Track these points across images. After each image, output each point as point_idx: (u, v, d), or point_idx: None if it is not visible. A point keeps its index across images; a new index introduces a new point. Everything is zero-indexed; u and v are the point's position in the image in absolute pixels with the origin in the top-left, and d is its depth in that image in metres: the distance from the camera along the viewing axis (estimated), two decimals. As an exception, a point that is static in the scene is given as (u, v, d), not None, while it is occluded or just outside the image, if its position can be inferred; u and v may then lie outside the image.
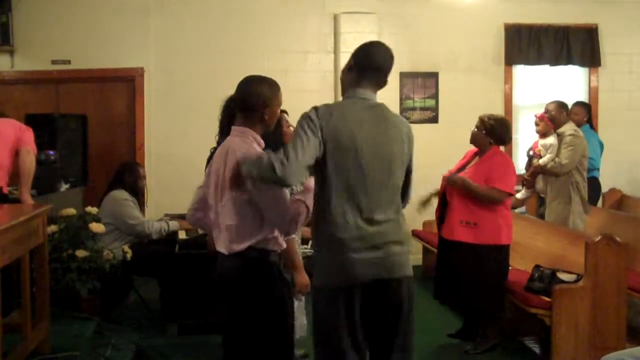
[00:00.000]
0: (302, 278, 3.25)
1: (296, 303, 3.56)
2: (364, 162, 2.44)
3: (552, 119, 5.30)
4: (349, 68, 2.60)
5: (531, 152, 5.50)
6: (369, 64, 2.55)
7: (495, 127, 4.34)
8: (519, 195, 5.57)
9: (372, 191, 2.46)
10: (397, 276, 2.48)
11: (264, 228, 2.57)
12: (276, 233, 2.61)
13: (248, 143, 2.61)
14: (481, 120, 4.39)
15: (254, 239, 2.57)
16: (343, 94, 2.66)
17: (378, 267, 2.44)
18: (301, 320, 3.79)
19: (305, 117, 2.45)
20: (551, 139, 5.29)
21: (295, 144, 2.37)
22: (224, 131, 3.59)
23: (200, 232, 4.89)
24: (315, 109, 2.46)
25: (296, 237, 3.46)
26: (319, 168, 2.46)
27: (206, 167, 3.62)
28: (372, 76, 2.55)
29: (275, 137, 3.26)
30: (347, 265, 2.42)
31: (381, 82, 2.59)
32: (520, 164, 6.75)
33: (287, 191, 2.56)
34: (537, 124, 5.38)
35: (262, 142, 2.68)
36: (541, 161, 5.29)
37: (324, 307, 2.49)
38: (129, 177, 5.13)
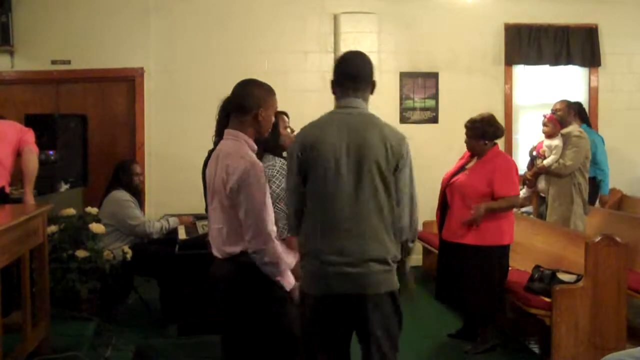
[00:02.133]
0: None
1: None
2: (342, 166, 2.43)
3: (560, 119, 5.30)
4: (331, 87, 2.62)
5: (534, 153, 5.50)
6: (344, 72, 2.56)
7: (483, 128, 4.32)
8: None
9: (354, 198, 2.42)
10: (372, 293, 2.43)
11: (249, 235, 2.56)
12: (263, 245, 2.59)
13: (242, 147, 2.60)
14: (466, 127, 4.39)
15: (245, 243, 2.56)
16: None
17: (354, 283, 2.42)
18: None
19: (288, 155, 2.58)
20: (556, 141, 5.29)
21: (288, 198, 2.63)
22: (221, 132, 3.59)
23: (200, 232, 4.90)
24: (297, 134, 2.59)
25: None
26: (306, 179, 2.52)
27: (203, 168, 3.63)
28: (351, 81, 2.54)
29: (272, 139, 3.25)
30: (326, 277, 2.44)
31: (364, 87, 2.55)
32: (521, 164, 6.73)
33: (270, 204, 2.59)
34: (545, 125, 5.38)
35: (255, 146, 2.67)
36: (545, 162, 5.30)
37: (307, 311, 2.53)
38: (124, 176, 5.14)
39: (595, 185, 6.01)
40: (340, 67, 2.58)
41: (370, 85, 2.58)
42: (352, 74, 2.54)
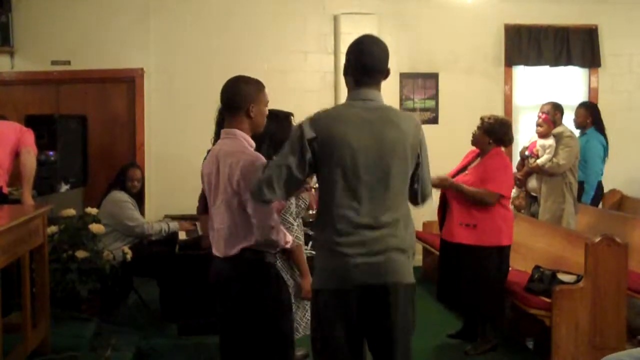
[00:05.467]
0: (307, 283, 3.25)
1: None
2: (361, 165, 2.39)
3: (552, 119, 5.40)
4: (344, 71, 2.56)
5: (527, 152, 5.57)
6: (362, 64, 2.48)
7: (494, 126, 4.34)
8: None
9: (372, 195, 2.41)
10: (392, 282, 2.43)
11: (256, 231, 2.58)
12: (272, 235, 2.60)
13: (242, 144, 2.61)
14: (482, 120, 4.40)
15: (247, 242, 2.58)
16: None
17: (375, 272, 2.40)
18: (307, 317, 3.79)
19: (296, 129, 2.44)
20: (550, 140, 5.39)
21: (278, 163, 2.41)
22: (219, 133, 3.60)
23: (200, 232, 4.90)
24: (310, 118, 2.44)
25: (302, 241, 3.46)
26: (319, 173, 2.45)
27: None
28: (368, 75, 2.49)
29: (284, 140, 3.25)
30: (345, 269, 2.39)
31: (380, 77, 2.52)
32: (519, 165, 6.76)
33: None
34: (540, 125, 5.47)
35: (253, 143, 2.68)
36: (539, 161, 5.39)
37: (321, 309, 2.48)
38: (125, 180, 5.14)
39: (599, 188, 6.04)
40: (358, 58, 2.50)
41: (385, 73, 2.54)
42: (370, 66, 2.48)
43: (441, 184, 4.26)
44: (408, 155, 2.48)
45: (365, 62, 2.48)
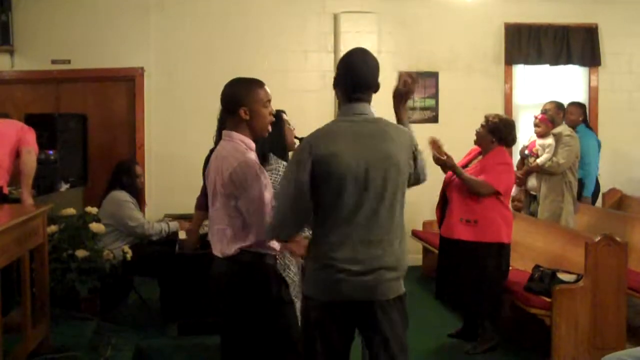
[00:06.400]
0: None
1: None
2: (358, 180, 2.38)
3: (551, 119, 5.42)
4: (334, 83, 2.54)
5: (527, 152, 5.59)
6: (353, 80, 2.47)
7: (499, 126, 4.35)
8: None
9: (368, 210, 2.39)
10: (380, 299, 2.42)
11: (253, 232, 2.57)
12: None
13: (236, 147, 2.60)
14: (486, 118, 4.41)
15: (244, 242, 2.57)
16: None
17: (364, 290, 2.39)
18: None
19: (295, 153, 2.47)
20: (549, 140, 5.40)
21: (281, 199, 2.44)
22: (221, 132, 3.61)
23: (201, 232, 4.89)
24: (307, 141, 2.45)
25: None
26: (315, 190, 2.42)
27: (203, 168, 3.64)
28: (359, 90, 2.48)
29: (277, 141, 3.25)
30: (335, 283, 2.40)
31: (370, 92, 2.51)
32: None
33: (269, 198, 2.58)
34: (537, 125, 5.49)
35: (252, 144, 2.65)
36: (539, 160, 5.42)
37: (308, 317, 2.50)
38: (126, 178, 5.13)
39: (598, 186, 6.07)
40: (348, 73, 2.49)
41: (376, 88, 2.53)
42: (360, 82, 2.48)
43: (444, 161, 4.25)
44: (403, 168, 2.46)
45: (355, 77, 2.47)
